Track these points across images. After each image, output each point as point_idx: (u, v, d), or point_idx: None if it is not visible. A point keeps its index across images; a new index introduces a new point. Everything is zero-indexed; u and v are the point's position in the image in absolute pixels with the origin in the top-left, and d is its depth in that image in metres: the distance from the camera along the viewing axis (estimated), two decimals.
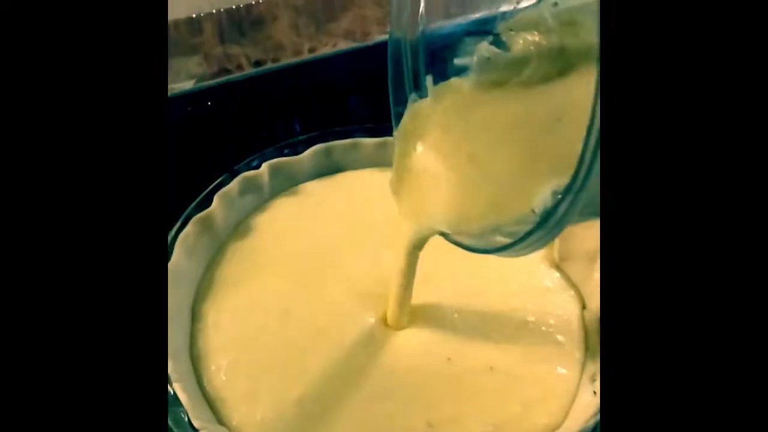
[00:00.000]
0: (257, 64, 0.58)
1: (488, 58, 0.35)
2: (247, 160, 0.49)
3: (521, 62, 0.34)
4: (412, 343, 0.40)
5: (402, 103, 0.38)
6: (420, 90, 0.38)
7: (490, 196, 0.33)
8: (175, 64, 0.56)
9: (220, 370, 0.39)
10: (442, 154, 0.36)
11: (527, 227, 0.28)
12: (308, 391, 0.38)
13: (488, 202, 0.33)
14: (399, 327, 0.41)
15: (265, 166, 0.49)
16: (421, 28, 0.36)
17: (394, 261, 0.39)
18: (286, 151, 0.50)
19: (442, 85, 0.37)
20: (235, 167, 0.48)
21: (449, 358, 0.39)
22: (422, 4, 0.36)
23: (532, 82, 0.34)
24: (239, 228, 0.48)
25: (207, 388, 0.38)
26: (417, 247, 0.38)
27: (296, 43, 0.58)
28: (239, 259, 0.45)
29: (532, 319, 0.42)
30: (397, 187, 0.37)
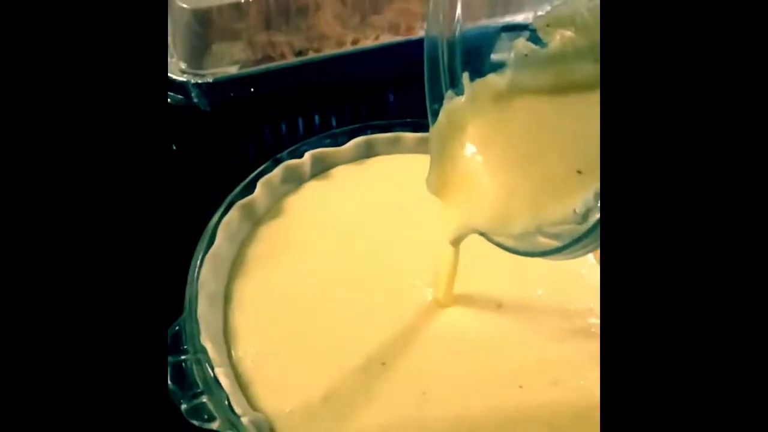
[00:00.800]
0: (300, 53, 0.58)
1: (525, 55, 0.34)
2: (290, 148, 0.49)
3: (559, 59, 0.33)
4: (456, 333, 0.40)
5: (438, 100, 0.37)
6: (456, 87, 0.37)
7: (531, 197, 0.33)
8: (218, 49, 0.56)
9: (247, 356, 0.38)
10: (479, 153, 0.35)
11: (569, 228, 0.28)
12: (339, 382, 0.37)
13: (529, 203, 0.33)
14: (446, 305, 0.41)
15: (307, 155, 0.49)
16: (458, 26, 0.36)
17: (438, 248, 0.39)
18: (327, 141, 0.50)
19: (479, 81, 0.36)
20: (278, 155, 0.49)
21: (499, 361, 0.39)
22: (459, 4, 0.35)
23: (573, 86, 0.33)
24: (272, 209, 0.48)
25: (238, 371, 0.38)
26: (456, 243, 0.38)
27: (340, 34, 0.59)
28: (269, 238, 0.45)
29: (593, 321, 0.41)
30: (436, 187, 0.37)
